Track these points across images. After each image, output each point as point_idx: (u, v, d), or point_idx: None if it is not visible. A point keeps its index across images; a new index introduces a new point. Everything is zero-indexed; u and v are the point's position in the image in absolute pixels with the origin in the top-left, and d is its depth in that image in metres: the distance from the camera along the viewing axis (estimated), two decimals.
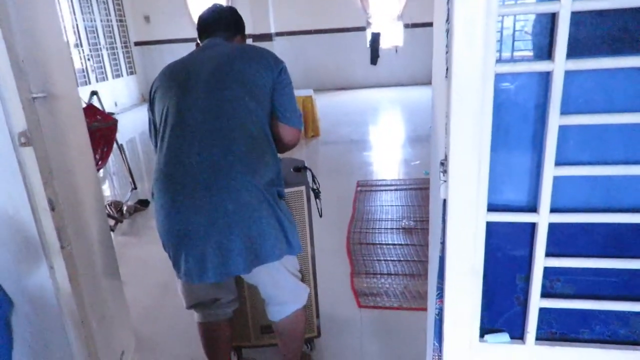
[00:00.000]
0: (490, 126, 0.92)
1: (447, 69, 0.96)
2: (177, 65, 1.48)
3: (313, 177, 1.87)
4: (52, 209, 1.07)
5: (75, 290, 1.14)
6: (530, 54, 0.94)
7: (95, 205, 1.28)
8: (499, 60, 0.88)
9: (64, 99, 1.15)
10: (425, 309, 2.23)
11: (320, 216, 1.90)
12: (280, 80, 1.46)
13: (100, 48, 8.82)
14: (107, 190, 4.78)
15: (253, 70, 1.41)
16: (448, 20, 0.91)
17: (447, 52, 0.93)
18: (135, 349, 1.51)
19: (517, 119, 0.95)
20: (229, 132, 1.35)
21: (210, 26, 1.56)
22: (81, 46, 8.09)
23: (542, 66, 0.88)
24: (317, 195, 1.85)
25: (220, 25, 1.56)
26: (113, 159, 5.13)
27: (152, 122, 1.51)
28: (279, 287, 1.58)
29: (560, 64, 0.86)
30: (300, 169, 1.87)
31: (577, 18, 0.85)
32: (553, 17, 0.86)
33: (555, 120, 0.89)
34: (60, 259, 1.10)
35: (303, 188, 1.76)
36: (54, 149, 1.09)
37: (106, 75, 8.95)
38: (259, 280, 1.56)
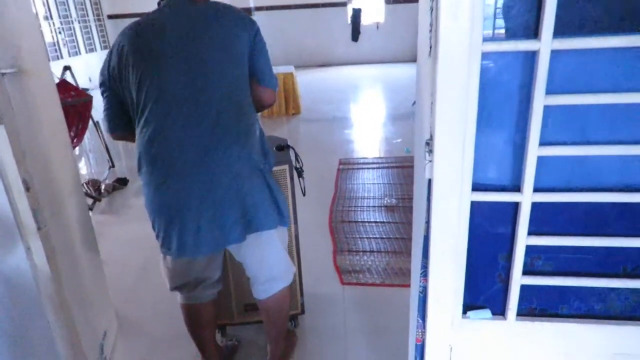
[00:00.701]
0: (476, 106, 0.91)
1: (430, 48, 0.95)
2: (145, 30, 1.34)
3: (296, 155, 1.85)
4: (27, 189, 1.03)
5: (54, 272, 1.12)
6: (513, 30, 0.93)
7: (71, 185, 1.25)
8: (485, 39, 0.87)
9: (35, 75, 1.10)
10: (407, 286, 2.27)
11: (304, 195, 1.89)
12: (257, 42, 1.42)
13: (72, 21, 8.49)
14: (83, 168, 4.67)
15: (231, 33, 1.35)
16: None
17: (430, 31, 0.92)
18: (117, 330, 1.50)
19: (502, 98, 0.95)
20: (216, 104, 1.31)
21: None
22: (51, 19, 7.77)
23: (528, 45, 0.87)
24: (300, 174, 1.84)
25: None
26: (89, 136, 5.00)
27: (113, 98, 1.39)
28: (269, 262, 1.57)
29: (546, 43, 0.85)
30: (283, 147, 1.85)
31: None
32: None
33: (540, 100, 0.89)
34: (37, 241, 1.07)
35: (287, 167, 1.75)
36: (26, 128, 1.05)
37: (79, 50, 8.64)
38: (249, 254, 1.54)
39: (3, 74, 0.96)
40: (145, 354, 1.98)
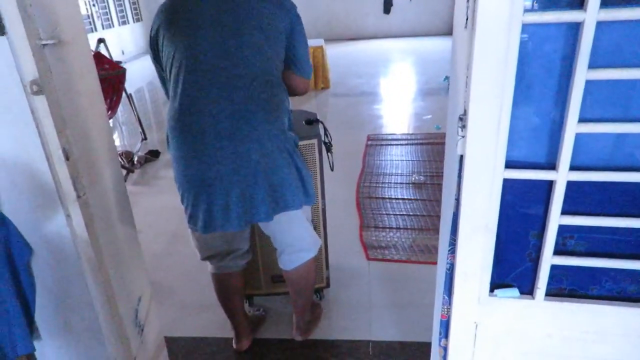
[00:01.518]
0: (514, 80, 0.88)
1: (467, 19, 0.92)
2: (183, 2, 1.35)
3: (325, 130, 1.85)
4: (67, 158, 1.07)
5: (92, 238, 1.16)
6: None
7: (108, 155, 1.28)
8: (526, 9, 0.84)
9: (74, 45, 1.12)
10: (433, 263, 2.27)
11: (332, 170, 1.90)
12: (296, 25, 1.41)
13: None
14: (117, 140, 4.80)
15: (270, 12, 1.34)
16: None
17: (468, 1, 0.89)
18: (150, 296, 1.57)
19: (540, 72, 0.91)
20: (250, 80, 1.31)
21: None
22: None
23: (572, 16, 0.83)
24: (328, 148, 1.84)
25: None
26: (122, 108, 5.10)
27: (159, 68, 1.46)
28: (296, 236, 1.61)
29: (592, 14, 0.81)
30: (312, 121, 1.85)
31: None
32: None
33: (582, 74, 0.85)
34: (76, 208, 1.11)
35: (315, 141, 1.75)
36: (65, 98, 1.08)
37: (112, 22, 8.75)
38: (277, 229, 1.57)
39: (44, 45, 0.99)
40: (174, 319, 2.06)
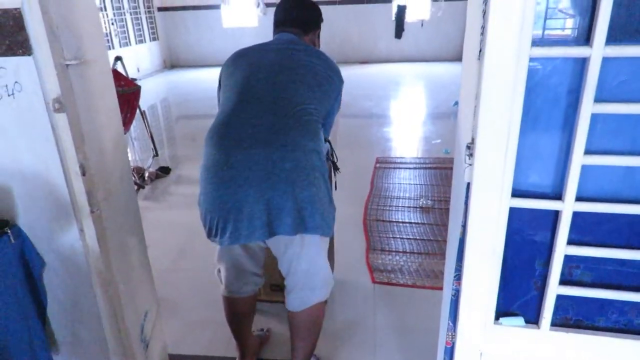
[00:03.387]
0: (521, 110, 0.90)
1: (480, 50, 0.94)
2: (249, 49, 1.60)
3: (331, 149, 1.87)
4: (83, 173, 1.10)
5: (104, 252, 1.19)
6: (563, 33, 0.92)
7: (122, 171, 1.31)
8: (534, 42, 0.86)
9: (95, 64, 1.16)
10: (439, 288, 2.26)
11: (335, 189, 1.92)
12: (338, 96, 1.61)
13: (124, 12, 8.81)
14: (129, 155, 4.87)
15: (326, 74, 1.53)
16: (485, 0, 0.89)
17: (482, 33, 0.91)
18: (156, 312, 1.58)
19: (548, 103, 0.93)
20: (294, 105, 1.40)
21: (286, 16, 1.65)
22: (105, 10, 8.10)
23: (579, 51, 0.86)
24: (335, 167, 1.86)
25: (298, 18, 1.64)
26: (134, 124, 5.19)
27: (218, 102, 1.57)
28: (310, 270, 1.52)
29: (598, 50, 0.83)
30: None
31: (619, 1, 0.82)
32: (594, 3, 0.83)
33: (588, 107, 0.87)
34: (90, 222, 1.14)
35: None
36: (85, 115, 1.12)
37: (129, 41, 8.97)
38: (295, 256, 1.49)
39: (68, 65, 1.03)
40: (179, 336, 2.06)
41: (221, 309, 1.75)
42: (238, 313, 1.71)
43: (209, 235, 1.46)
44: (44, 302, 1.18)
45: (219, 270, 1.65)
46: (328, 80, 1.51)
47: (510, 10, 0.83)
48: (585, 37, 0.86)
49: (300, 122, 1.38)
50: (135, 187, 3.67)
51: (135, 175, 3.76)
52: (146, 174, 3.86)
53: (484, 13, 0.89)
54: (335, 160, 1.87)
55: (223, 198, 1.35)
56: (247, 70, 1.47)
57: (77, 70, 1.07)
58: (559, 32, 0.93)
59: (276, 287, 2.01)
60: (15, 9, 0.96)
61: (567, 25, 0.91)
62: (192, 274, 2.56)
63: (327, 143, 1.85)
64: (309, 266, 1.52)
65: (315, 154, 1.38)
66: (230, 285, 1.64)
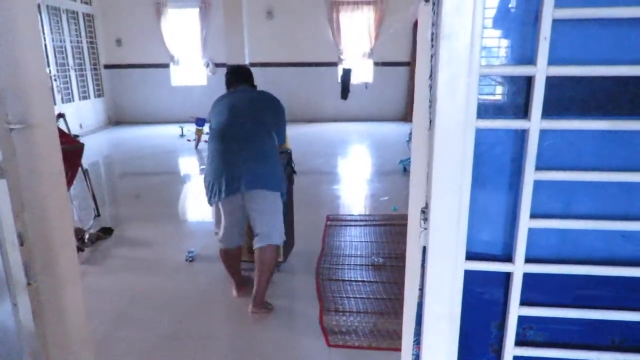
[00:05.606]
0: (470, 177, 0.95)
1: (430, 122, 1.00)
2: (226, 98, 2.72)
3: (291, 158, 3.21)
4: (21, 243, 1.02)
5: (39, 329, 1.08)
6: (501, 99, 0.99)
7: (65, 238, 1.24)
8: (479, 116, 0.93)
9: (41, 128, 1.12)
10: (394, 349, 2.23)
11: (295, 173, 3.29)
12: (279, 118, 2.76)
13: (69, 69, 8.65)
14: None
15: (268, 110, 2.72)
16: (431, 76, 0.96)
17: (430, 106, 0.97)
18: None
19: (494, 170, 0.99)
20: (257, 123, 2.61)
21: (239, 77, 2.83)
22: (48, 66, 7.91)
23: (519, 124, 0.93)
24: (293, 172, 3.21)
25: (246, 79, 2.85)
26: (75, 183, 4.96)
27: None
28: (269, 224, 2.60)
29: (535, 123, 0.91)
30: (284, 152, 3.12)
31: (552, 81, 0.90)
32: (529, 80, 0.91)
33: (530, 175, 0.94)
34: (25, 296, 1.05)
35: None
36: (27, 180, 1.06)
37: (72, 97, 8.75)
38: (268, 208, 2.59)
39: (11, 130, 0.98)
40: None
41: None
42: (230, 258, 2.78)
43: (210, 199, 2.60)
44: None
45: (216, 233, 2.85)
46: (274, 109, 2.74)
47: (456, 86, 0.89)
48: (524, 111, 0.93)
49: (262, 133, 2.59)
50: None
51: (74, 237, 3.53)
52: (86, 236, 3.65)
53: (430, 88, 0.95)
54: (294, 166, 3.23)
55: (224, 170, 2.51)
56: (231, 103, 2.66)
57: (21, 135, 1.02)
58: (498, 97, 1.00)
59: (252, 250, 2.80)
60: None
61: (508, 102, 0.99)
62: (131, 343, 2.38)
63: (289, 152, 3.21)
64: (268, 222, 2.60)
65: (270, 149, 2.61)
66: (225, 241, 2.71)
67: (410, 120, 1.21)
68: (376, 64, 10.07)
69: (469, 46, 0.87)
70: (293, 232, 3.34)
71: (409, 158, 5.84)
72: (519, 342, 1.05)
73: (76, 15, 8.97)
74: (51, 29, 8.03)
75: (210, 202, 2.59)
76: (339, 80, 10.11)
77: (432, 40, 0.93)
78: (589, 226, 0.97)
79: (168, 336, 2.47)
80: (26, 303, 1.06)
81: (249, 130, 2.55)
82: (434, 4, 0.90)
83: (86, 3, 9.38)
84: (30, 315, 1.07)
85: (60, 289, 1.20)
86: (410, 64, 9.77)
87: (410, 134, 5.60)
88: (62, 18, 8.40)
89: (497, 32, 0.94)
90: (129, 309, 2.74)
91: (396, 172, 5.93)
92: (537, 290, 1.04)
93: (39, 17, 7.33)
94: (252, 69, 8.14)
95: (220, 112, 2.63)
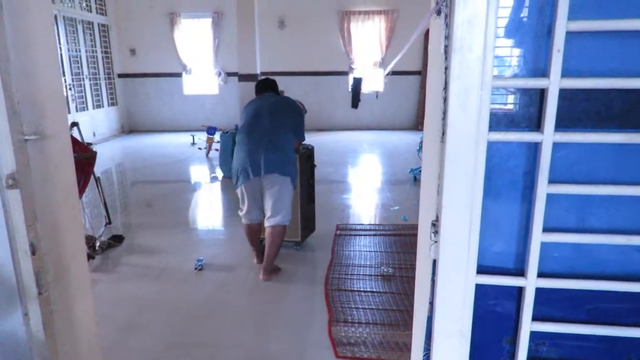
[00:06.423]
0: (482, 190, 0.94)
1: (443, 133, 0.99)
2: (253, 103, 3.36)
3: (313, 154, 3.95)
4: (33, 253, 1.03)
5: (49, 339, 1.09)
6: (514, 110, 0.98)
7: (76, 248, 1.25)
8: (492, 128, 0.92)
9: (55, 139, 1.13)
10: None
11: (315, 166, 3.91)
12: (295, 119, 3.35)
13: (83, 78, 8.79)
14: None
15: (289, 113, 3.32)
16: (445, 88, 0.95)
17: (443, 118, 0.97)
18: None
19: (507, 183, 0.98)
20: (275, 127, 3.16)
21: (266, 86, 3.46)
22: (64, 75, 8.05)
23: (531, 136, 0.92)
24: (314, 166, 3.96)
25: (271, 87, 3.47)
26: (87, 191, 5.01)
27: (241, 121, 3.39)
28: (279, 207, 3.14)
29: (548, 136, 0.90)
30: (308, 147, 3.91)
31: (565, 94, 0.89)
32: (542, 92, 0.90)
33: (543, 188, 0.92)
34: (36, 306, 1.05)
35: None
36: (40, 190, 1.07)
37: (86, 105, 8.88)
38: (279, 191, 3.13)
39: (26, 140, 1.00)
40: None
41: None
42: (252, 232, 3.35)
43: (237, 183, 3.19)
44: None
45: (240, 210, 3.33)
46: (291, 111, 3.33)
47: (468, 98, 0.89)
48: (537, 124, 0.92)
49: (279, 130, 3.17)
50: None
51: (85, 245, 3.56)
52: (97, 244, 3.68)
53: (445, 100, 0.95)
54: (314, 161, 3.98)
55: (247, 158, 3.09)
56: (256, 105, 3.30)
57: (36, 145, 1.04)
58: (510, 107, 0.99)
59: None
60: None
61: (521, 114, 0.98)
62: (140, 352, 2.38)
63: (312, 148, 3.95)
64: (278, 204, 3.14)
65: (285, 143, 3.17)
66: (248, 215, 3.28)
67: (421, 129, 1.21)
68: (387, 74, 10.08)
69: (481, 59, 0.86)
70: (314, 218, 3.99)
71: (420, 167, 5.81)
72: (531, 359, 1.03)
73: (92, 25, 9.13)
74: (67, 39, 8.18)
75: (236, 185, 3.19)
76: (350, 90, 10.14)
77: (445, 52, 0.93)
78: (603, 240, 0.95)
79: (177, 345, 2.47)
80: (37, 313, 1.06)
81: (268, 128, 3.12)
82: (446, 16, 0.90)
83: (101, 14, 9.55)
84: (41, 325, 1.07)
85: (71, 299, 1.21)
86: (422, 72, 9.77)
87: (421, 143, 5.60)
88: (77, 29, 8.55)
89: (510, 44, 0.93)
90: (139, 317, 2.75)
91: (407, 181, 5.90)
92: (550, 304, 1.02)
93: (55, 29, 7.48)
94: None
95: (247, 113, 3.28)
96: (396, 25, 9.72)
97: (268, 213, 3.16)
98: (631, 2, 0.86)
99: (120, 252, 3.77)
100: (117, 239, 3.89)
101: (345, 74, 10.21)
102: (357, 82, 9.91)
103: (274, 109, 3.24)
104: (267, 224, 3.18)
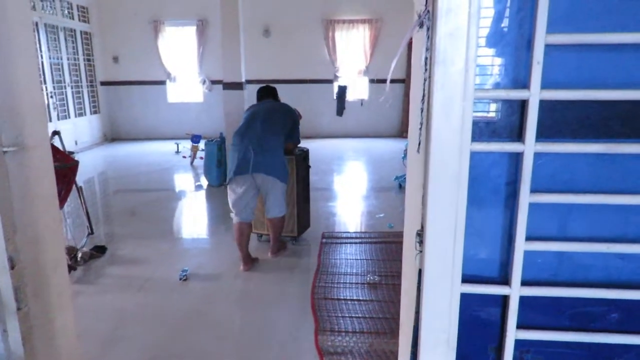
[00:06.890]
0: (466, 199, 0.95)
1: (419, 144, 1.00)
2: (252, 107, 3.69)
3: (307, 155, 4.06)
4: (12, 267, 1.01)
5: (29, 354, 1.06)
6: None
7: (57, 261, 1.22)
8: (475, 139, 0.93)
9: (35, 150, 1.11)
10: None
11: (310, 166, 4.07)
12: (289, 123, 3.66)
13: (65, 86, 8.67)
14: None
15: (284, 117, 3.64)
16: (423, 99, 0.96)
17: (420, 128, 0.98)
18: None
19: (490, 193, 0.99)
20: (267, 131, 3.43)
21: (266, 93, 3.82)
22: (45, 83, 7.93)
23: (513, 147, 0.93)
24: (308, 166, 4.06)
25: (270, 94, 3.83)
26: (69, 200, 4.92)
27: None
28: (275, 201, 3.47)
29: (530, 146, 0.91)
30: (303, 150, 4.09)
31: (545, 105, 0.91)
32: (523, 103, 0.92)
33: (525, 197, 0.94)
34: (14, 321, 1.03)
35: (293, 157, 3.89)
36: (19, 202, 1.04)
37: (68, 113, 8.75)
38: (270, 190, 3.45)
39: (5, 152, 0.98)
40: None
41: None
42: (243, 231, 3.44)
43: (229, 181, 3.42)
44: None
45: (231, 211, 3.50)
46: (285, 116, 3.64)
47: (451, 110, 0.90)
48: (518, 134, 0.94)
49: (270, 133, 3.44)
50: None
51: (67, 256, 3.49)
52: (79, 255, 3.61)
53: (422, 111, 0.96)
54: (308, 162, 4.13)
55: (238, 158, 3.35)
56: (253, 110, 3.61)
57: (15, 157, 1.02)
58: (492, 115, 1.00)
59: (261, 236, 4.03)
60: None
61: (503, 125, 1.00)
62: None
63: (307, 150, 4.14)
64: (274, 199, 3.47)
65: (275, 145, 3.44)
66: (239, 215, 3.42)
67: (406, 137, 1.22)
68: (371, 80, 10.15)
69: (464, 71, 0.87)
70: (309, 216, 4.21)
71: (404, 175, 5.84)
72: None
73: (74, 33, 9.02)
74: (48, 47, 8.06)
75: (229, 183, 3.43)
76: (335, 97, 10.17)
77: (425, 64, 0.94)
78: (584, 249, 0.96)
79: (161, 357, 2.43)
80: (16, 328, 1.03)
81: (259, 131, 3.40)
82: (428, 29, 0.91)
83: (84, 21, 9.44)
84: (20, 341, 1.04)
85: (51, 314, 1.18)
86: (405, 81, 9.87)
87: (406, 150, 5.65)
88: (59, 36, 8.44)
89: (491, 56, 0.95)
90: (121, 329, 2.70)
91: (392, 188, 5.94)
92: (534, 312, 1.03)
93: (35, 38, 7.37)
94: (249, 86, 8.13)
95: (244, 117, 3.61)
96: (380, 33, 9.81)
97: (266, 207, 3.54)
98: (608, 17, 0.88)
99: (103, 263, 3.71)
100: (99, 250, 3.83)
101: (330, 82, 10.25)
102: (342, 90, 9.96)
103: (268, 114, 3.54)
104: (267, 216, 3.59)
